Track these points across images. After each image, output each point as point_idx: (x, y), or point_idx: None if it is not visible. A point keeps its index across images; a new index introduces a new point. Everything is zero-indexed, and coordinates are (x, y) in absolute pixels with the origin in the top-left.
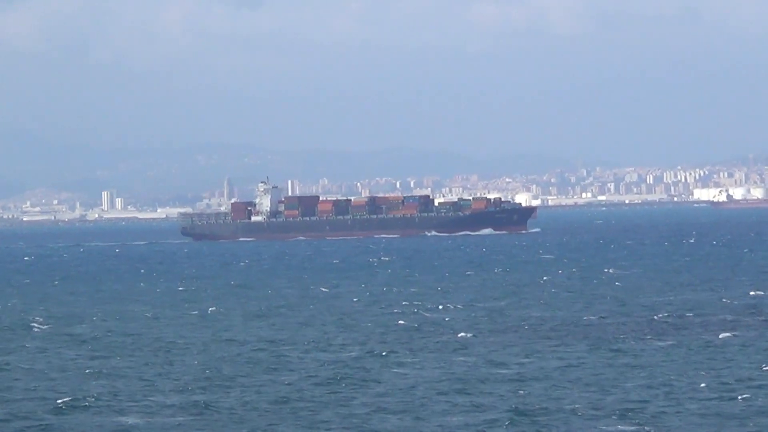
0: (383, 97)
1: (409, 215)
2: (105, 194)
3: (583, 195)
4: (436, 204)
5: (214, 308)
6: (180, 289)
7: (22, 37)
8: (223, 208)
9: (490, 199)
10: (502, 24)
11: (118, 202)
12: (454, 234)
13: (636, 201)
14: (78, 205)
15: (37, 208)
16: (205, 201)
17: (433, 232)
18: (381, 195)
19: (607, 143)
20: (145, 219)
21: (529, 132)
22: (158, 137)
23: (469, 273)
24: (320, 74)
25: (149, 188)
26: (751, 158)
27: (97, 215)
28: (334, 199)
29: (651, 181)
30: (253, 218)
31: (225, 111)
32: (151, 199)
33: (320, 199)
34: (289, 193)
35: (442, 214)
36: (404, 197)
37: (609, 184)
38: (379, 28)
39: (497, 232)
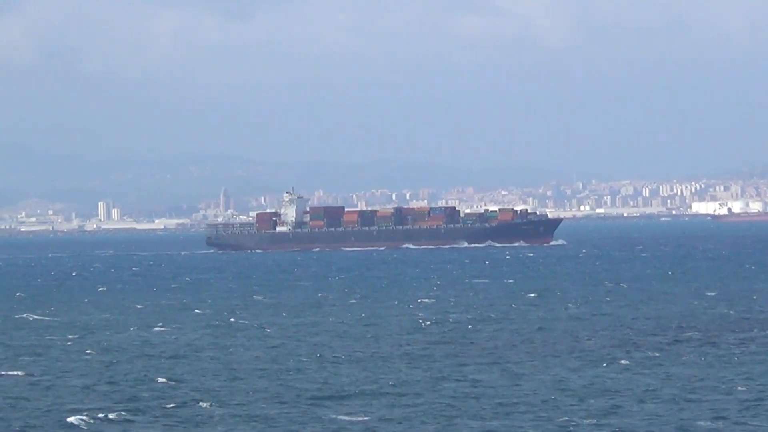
0: (375, 108)
1: (435, 226)
2: (101, 205)
3: (581, 208)
4: (462, 215)
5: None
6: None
7: (12, 47)
8: (220, 219)
9: (516, 211)
10: (491, 36)
11: (114, 212)
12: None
13: (634, 214)
14: (74, 215)
15: (33, 219)
16: (202, 212)
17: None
18: (407, 206)
19: (601, 156)
20: (144, 230)
21: (522, 144)
22: (150, 148)
23: (509, 280)
24: (312, 86)
25: (143, 199)
26: (746, 171)
27: (95, 226)
28: (360, 209)
29: (647, 194)
30: (279, 229)
31: (217, 122)
32: (146, 210)
33: (346, 209)
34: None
35: (469, 225)
36: (430, 208)
37: (605, 197)
38: (368, 39)
39: (525, 244)
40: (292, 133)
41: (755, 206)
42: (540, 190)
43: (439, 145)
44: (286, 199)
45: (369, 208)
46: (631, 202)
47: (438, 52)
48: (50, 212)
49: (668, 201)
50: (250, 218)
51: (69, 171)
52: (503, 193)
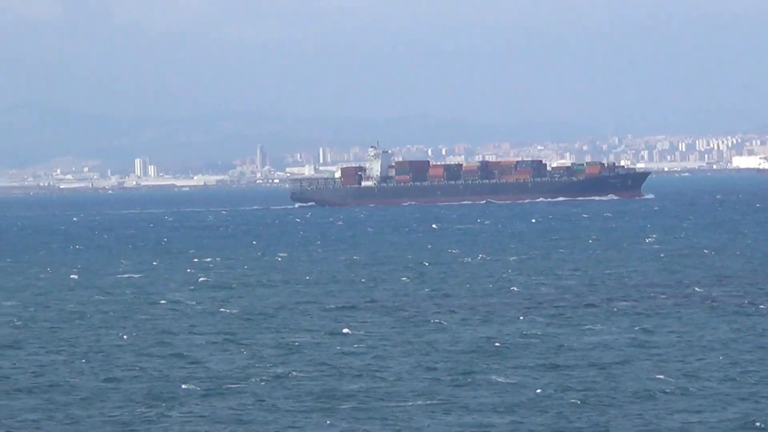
0: (405, 63)
1: (522, 180)
2: (138, 162)
3: (621, 162)
4: (549, 169)
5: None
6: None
7: (39, 4)
8: (258, 176)
9: (604, 164)
10: None
11: (151, 169)
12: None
13: (675, 169)
14: (109, 172)
15: (69, 176)
16: (238, 168)
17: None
18: (493, 160)
19: (634, 111)
20: (183, 186)
21: (555, 100)
22: (181, 105)
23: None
24: (343, 41)
25: (177, 156)
26: None
27: (134, 182)
28: (445, 164)
29: (683, 149)
30: (364, 183)
31: (248, 78)
32: (181, 166)
33: (431, 164)
34: (321, 160)
35: (556, 179)
36: (517, 162)
37: (642, 152)
38: None
39: (615, 198)
40: (324, 89)
41: None
42: (576, 145)
43: (469, 101)
44: (371, 154)
45: (454, 162)
46: (669, 157)
47: (465, 7)
48: (85, 169)
49: (705, 156)
50: (332, 172)
51: (101, 128)
52: (539, 148)
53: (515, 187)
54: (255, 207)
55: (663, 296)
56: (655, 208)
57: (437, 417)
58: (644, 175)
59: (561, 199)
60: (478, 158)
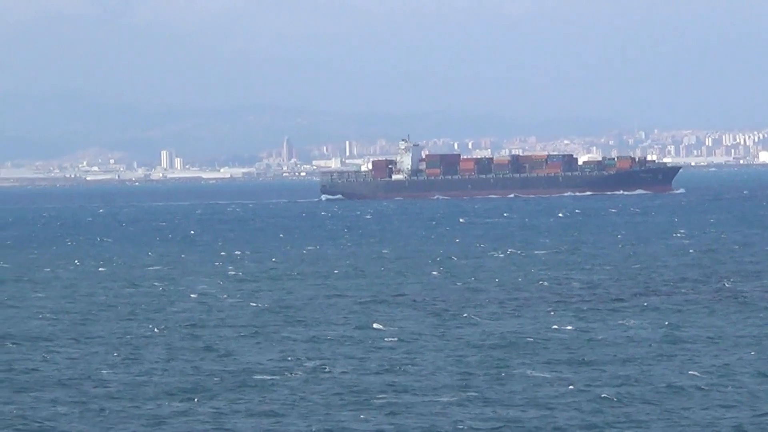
0: (428, 58)
1: (552, 174)
2: (164, 154)
3: (648, 157)
4: (579, 163)
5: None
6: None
7: None
8: (285, 168)
9: (635, 158)
10: None
11: (177, 161)
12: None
13: (701, 163)
14: (135, 164)
15: (96, 168)
16: (264, 161)
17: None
18: (524, 154)
19: (661, 106)
20: (209, 179)
21: (581, 96)
22: (207, 97)
23: None
24: (367, 36)
25: (203, 148)
26: None
27: (161, 175)
28: (476, 157)
29: (710, 144)
30: (394, 176)
31: (273, 72)
32: (207, 159)
33: (462, 157)
34: (347, 153)
35: (587, 173)
36: (548, 156)
37: (669, 147)
38: None
39: (644, 192)
40: (349, 83)
41: None
42: (602, 140)
43: (494, 96)
44: (402, 147)
45: (482, 156)
46: (695, 152)
47: (489, 1)
48: (111, 161)
49: (732, 151)
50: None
51: (126, 120)
52: (566, 142)
53: (545, 182)
54: (282, 200)
55: (693, 291)
56: (683, 202)
57: (470, 411)
58: (675, 169)
59: (589, 193)
60: (505, 152)
